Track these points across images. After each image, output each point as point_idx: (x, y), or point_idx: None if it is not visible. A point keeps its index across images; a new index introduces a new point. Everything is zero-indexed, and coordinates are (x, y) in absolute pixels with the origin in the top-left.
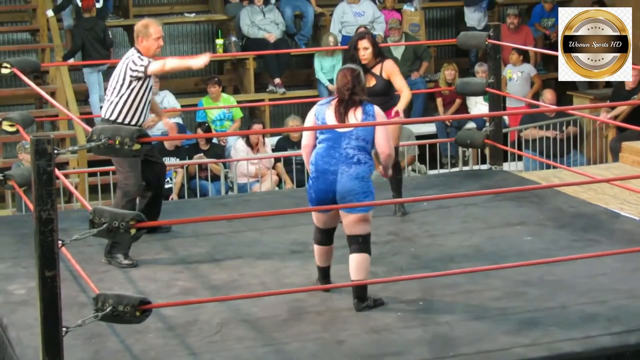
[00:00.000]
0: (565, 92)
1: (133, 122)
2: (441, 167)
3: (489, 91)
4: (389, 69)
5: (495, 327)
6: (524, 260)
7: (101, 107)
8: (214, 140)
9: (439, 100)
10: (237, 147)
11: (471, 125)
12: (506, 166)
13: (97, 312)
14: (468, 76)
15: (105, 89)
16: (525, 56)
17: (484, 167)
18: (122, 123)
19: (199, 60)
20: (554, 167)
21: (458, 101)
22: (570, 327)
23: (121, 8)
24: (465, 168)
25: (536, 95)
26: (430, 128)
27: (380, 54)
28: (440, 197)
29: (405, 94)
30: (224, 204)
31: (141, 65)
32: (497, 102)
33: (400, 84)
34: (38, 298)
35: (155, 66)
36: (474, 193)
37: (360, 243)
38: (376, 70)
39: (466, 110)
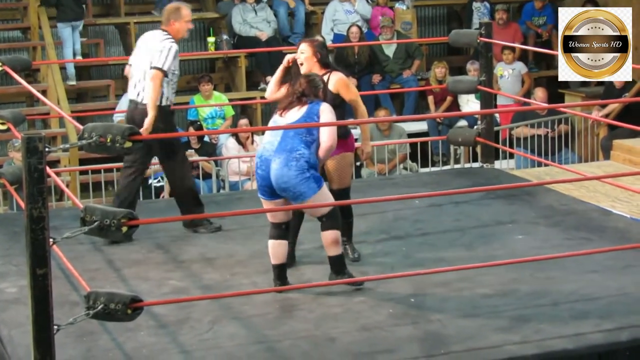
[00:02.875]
0: (556, 90)
1: (167, 103)
2: (433, 165)
3: (480, 89)
4: (339, 82)
5: (486, 325)
6: (515, 258)
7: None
8: (206, 139)
9: (430, 98)
10: (228, 145)
11: (463, 123)
12: (498, 164)
13: (88, 310)
14: (460, 74)
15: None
16: (516, 53)
17: (476, 165)
18: (162, 105)
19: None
20: (546, 165)
21: (449, 99)
22: (561, 324)
23: (112, 6)
24: (457, 166)
25: (528, 93)
26: (422, 126)
27: (327, 65)
28: (431, 194)
29: (360, 112)
30: (216, 202)
31: (157, 64)
32: (488, 100)
33: (352, 97)
34: (29, 296)
35: (156, 81)
36: (466, 191)
37: (325, 221)
38: None
39: (458, 108)
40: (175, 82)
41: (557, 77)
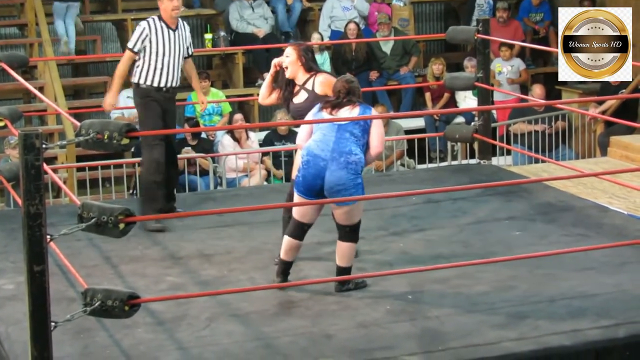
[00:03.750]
0: (554, 86)
1: (154, 84)
2: (430, 162)
3: (477, 86)
4: (324, 83)
5: (484, 321)
6: (512, 255)
7: (67, 35)
8: (203, 135)
9: (428, 95)
10: (224, 142)
11: (460, 119)
12: (495, 160)
13: (85, 307)
14: (458, 71)
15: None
16: (514, 50)
17: (473, 161)
18: (139, 85)
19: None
20: (543, 162)
21: (447, 95)
22: (558, 321)
23: (110, 3)
24: (454, 162)
25: (525, 90)
26: (419, 122)
27: (312, 68)
28: (429, 191)
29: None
30: (213, 198)
31: (131, 40)
32: (486, 97)
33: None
34: (26, 293)
35: (122, 58)
36: (463, 187)
37: (347, 232)
38: (307, 85)
39: (455, 105)
40: (154, 64)
41: (554, 73)
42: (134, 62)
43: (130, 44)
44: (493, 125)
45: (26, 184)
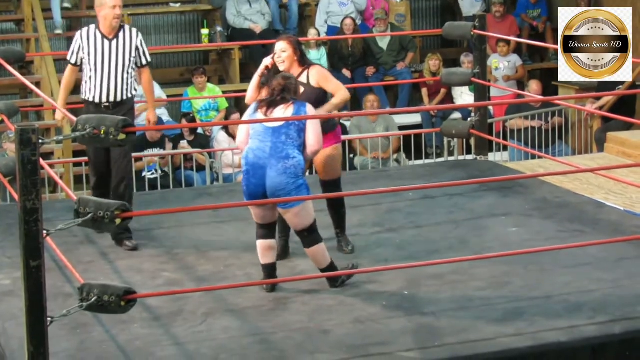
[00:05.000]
0: (550, 82)
1: (93, 99)
2: (427, 158)
3: (474, 82)
4: (318, 75)
5: (480, 317)
6: (508, 251)
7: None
8: (199, 131)
9: (424, 91)
10: (219, 138)
11: (456, 115)
12: (491, 156)
13: (82, 302)
14: (454, 67)
15: None
16: (511, 45)
17: (470, 157)
18: (83, 99)
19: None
20: (539, 158)
21: (443, 91)
22: (555, 317)
23: None
24: (451, 158)
25: (522, 86)
26: (416, 118)
27: (305, 62)
28: (425, 186)
29: (340, 94)
30: (210, 194)
31: (69, 51)
32: (482, 93)
33: (333, 86)
34: (23, 288)
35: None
36: (460, 183)
37: (306, 237)
38: (302, 78)
39: (451, 101)
40: (91, 77)
41: (551, 69)
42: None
43: (68, 56)
44: (490, 121)
45: (23, 179)
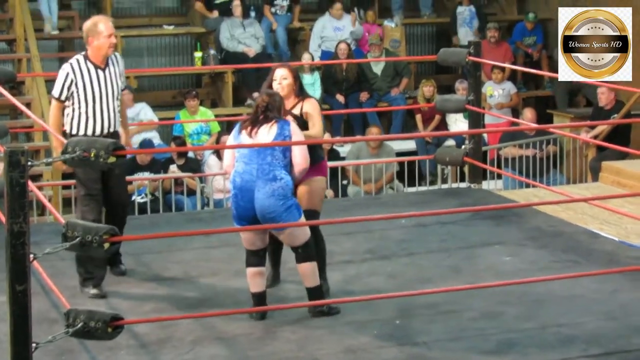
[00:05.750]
0: (545, 110)
1: (89, 133)
2: (420, 185)
3: (468, 108)
4: (309, 108)
5: (472, 348)
6: (502, 280)
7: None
8: (190, 154)
9: (419, 117)
10: (210, 162)
11: (450, 142)
12: (485, 184)
13: (68, 328)
14: (449, 93)
15: None
16: (505, 72)
17: (463, 185)
18: (70, 135)
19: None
20: (534, 186)
21: (438, 118)
22: (548, 348)
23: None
24: (444, 186)
25: (516, 113)
26: (410, 145)
27: (302, 93)
28: (418, 214)
29: (315, 130)
30: (200, 219)
31: (55, 87)
32: (476, 120)
33: (315, 121)
34: (8, 313)
35: (50, 109)
36: (453, 211)
37: (300, 253)
38: (296, 110)
39: (446, 127)
40: (85, 111)
41: (545, 97)
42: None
43: (55, 92)
44: (484, 148)
45: (10, 202)
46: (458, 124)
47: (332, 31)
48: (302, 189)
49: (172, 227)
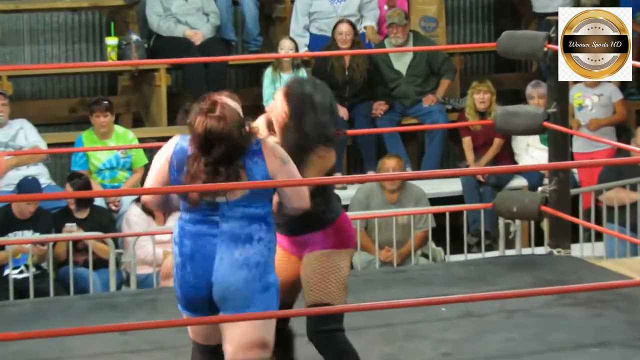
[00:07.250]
0: None
1: None
2: (469, 251)
3: (548, 128)
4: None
5: None
6: None
7: None
8: (98, 203)
9: (467, 141)
10: (130, 217)
11: (519, 182)
12: (576, 250)
13: None
14: (516, 103)
15: None
16: None
17: (540, 250)
18: None
19: None
20: None
21: (498, 142)
22: None
23: None
24: (510, 252)
25: (625, 134)
26: (454, 187)
27: None
28: (468, 298)
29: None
30: (115, 305)
31: None
32: (562, 146)
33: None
34: None
35: None
36: (524, 293)
37: None
38: None
39: (511, 159)
40: None
41: None
42: None
43: None
44: (573, 192)
45: None
46: (532, 152)
47: (328, 3)
48: (308, 271)
49: (69, 318)
